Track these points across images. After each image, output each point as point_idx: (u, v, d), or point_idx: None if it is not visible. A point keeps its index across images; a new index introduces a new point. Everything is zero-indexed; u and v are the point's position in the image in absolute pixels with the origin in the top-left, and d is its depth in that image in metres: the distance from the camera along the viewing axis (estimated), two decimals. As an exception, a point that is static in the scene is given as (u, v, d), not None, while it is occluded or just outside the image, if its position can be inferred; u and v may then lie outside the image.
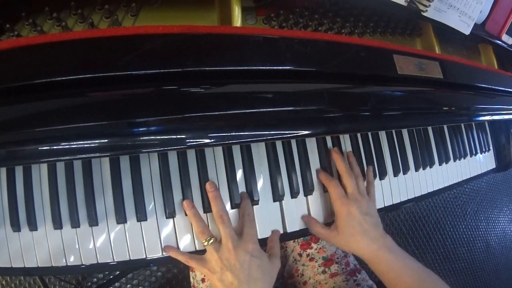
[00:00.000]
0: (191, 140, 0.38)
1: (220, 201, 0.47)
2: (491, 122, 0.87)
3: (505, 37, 0.69)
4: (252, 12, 0.53)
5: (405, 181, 0.65)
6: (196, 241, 0.48)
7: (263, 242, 0.51)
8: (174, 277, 1.21)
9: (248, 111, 0.40)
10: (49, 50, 0.35)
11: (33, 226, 0.43)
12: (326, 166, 0.56)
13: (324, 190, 0.56)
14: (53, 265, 0.44)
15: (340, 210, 0.51)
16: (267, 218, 0.52)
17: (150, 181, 0.47)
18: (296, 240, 0.70)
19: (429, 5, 0.54)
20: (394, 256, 0.49)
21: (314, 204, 0.55)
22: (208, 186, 0.47)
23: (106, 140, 0.35)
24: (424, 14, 0.55)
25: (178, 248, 0.47)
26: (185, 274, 1.21)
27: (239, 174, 0.51)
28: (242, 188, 0.51)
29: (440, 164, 0.71)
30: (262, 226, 0.51)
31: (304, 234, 0.55)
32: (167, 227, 0.47)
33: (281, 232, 0.53)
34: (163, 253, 0.47)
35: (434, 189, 0.69)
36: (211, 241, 0.45)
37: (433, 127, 0.71)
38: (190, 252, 0.48)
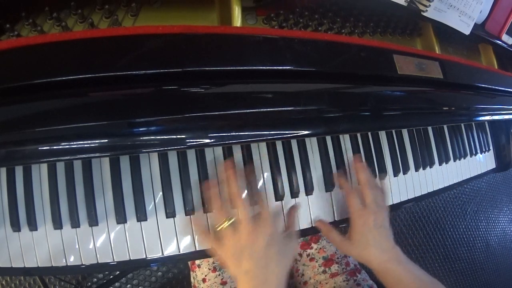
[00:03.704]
0: (191, 140, 0.38)
1: (237, 183, 0.46)
2: (491, 122, 0.87)
3: (505, 37, 0.69)
4: (252, 12, 0.53)
5: (405, 181, 0.65)
6: (196, 242, 0.48)
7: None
8: (174, 277, 1.21)
9: (248, 111, 0.40)
10: (49, 50, 0.35)
11: (33, 226, 0.43)
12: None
13: (325, 190, 0.56)
14: (53, 265, 0.44)
15: (356, 221, 0.51)
16: (267, 218, 0.52)
17: (150, 181, 0.47)
18: (296, 240, 0.70)
19: (429, 5, 0.54)
20: (403, 268, 0.49)
21: (314, 204, 0.55)
22: (225, 165, 0.46)
23: (106, 140, 0.35)
24: (424, 14, 0.55)
25: (178, 247, 0.47)
26: (185, 274, 1.21)
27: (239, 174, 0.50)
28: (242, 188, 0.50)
29: (440, 164, 0.71)
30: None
31: (305, 234, 0.55)
32: (167, 227, 0.47)
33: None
34: (163, 253, 0.47)
35: (434, 189, 0.69)
36: (230, 222, 0.44)
37: (433, 127, 0.71)
38: (191, 253, 0.48)
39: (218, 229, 0.44)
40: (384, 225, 0.51)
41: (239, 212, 0.44)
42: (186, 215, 0.48)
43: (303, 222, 0.54)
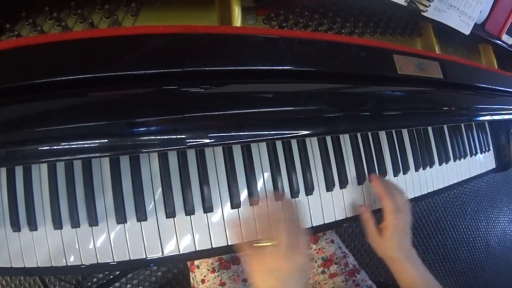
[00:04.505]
0: (191, 140, 0.38)
1: (283, 211, 0.48)
2: (491, 122, 0.87)
3: (505, 37, 0.69)
4: (252, 12, 0.53)
5: (405, 181, 0.65)
6: (196, 242, 0.48)
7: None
8: (174, 277, 1.21)
9: (248, 111, 0.40)
10: (49, 50, 0.35)
11: (33, 226, 0.43)
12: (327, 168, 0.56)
13: (326, 190, 0.56)
14: (53, 265, 0.44)
15: (392, 221, 0.54)
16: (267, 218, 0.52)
17: (150, 181, 0.47)
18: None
19: (429, 5, 0.54)
20: (419, 271, 0.52)
21: (314, 204, 0.55)
22: (276, 196, 0.51)
23: (106, 140, 0.35)
24: (424, 14, 0.55)
25: (178, 247, 0.47)
26: (185, 274, 1.21)
27: (239, 174, 0.51)
28: (242, 188, 0.51)
29: (440, 164, 0.71)
30: (262, 226, 0.51)
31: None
32: (167, 227, 0.47)
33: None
34: (163, 253, 0.47)
35: (434, 189, 0.69)
36: (271, 244, 0.45)
37: (433, 127, 0.71)
38: (191, 253, 0.48)
39: (258, 245, 0.46)
40: (410, 228, 0.55)
41: (282, 237, 0.45)
42: (186, 215, 0.48)
43: (305, 222, 0.54)
